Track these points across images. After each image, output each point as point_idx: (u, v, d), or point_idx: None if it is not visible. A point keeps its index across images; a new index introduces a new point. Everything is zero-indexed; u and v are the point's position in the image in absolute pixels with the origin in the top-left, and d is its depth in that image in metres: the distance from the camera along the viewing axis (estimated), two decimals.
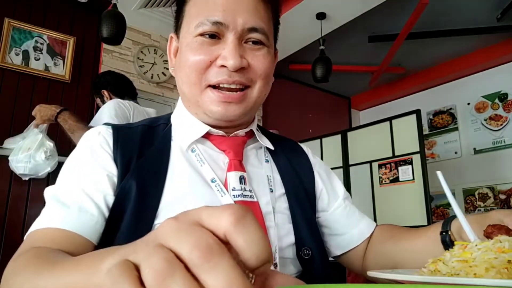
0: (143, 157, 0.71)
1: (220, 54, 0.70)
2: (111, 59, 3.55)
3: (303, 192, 0.82)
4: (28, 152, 2.30)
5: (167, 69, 3.85)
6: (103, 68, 3.47)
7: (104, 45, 3.43)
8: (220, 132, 0.77)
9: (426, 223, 3.11)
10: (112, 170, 0.69)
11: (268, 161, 0.83)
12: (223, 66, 0.69)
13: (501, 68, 4.51)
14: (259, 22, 0.72)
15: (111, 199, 0.66)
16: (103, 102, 2.44)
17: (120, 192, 0.66)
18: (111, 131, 0.74)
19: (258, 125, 0.89)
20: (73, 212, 0.62)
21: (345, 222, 0.86)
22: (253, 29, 0.71)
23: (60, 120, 2.08)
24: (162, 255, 0.24)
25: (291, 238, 0.74)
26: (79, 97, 3.38)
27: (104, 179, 0.67)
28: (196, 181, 0.71)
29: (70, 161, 0.72)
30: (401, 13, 3.68)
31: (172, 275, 0.23)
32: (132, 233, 0.62)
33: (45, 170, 2.37)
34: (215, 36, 0.70)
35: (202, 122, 0.77)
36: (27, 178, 2.51)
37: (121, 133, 0.74)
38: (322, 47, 3.61)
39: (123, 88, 2.48)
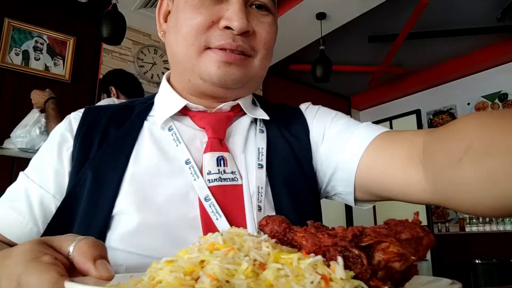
0: (106, 141, 0.67)
1: (223, 15, 0.64)
2: (111, 59, 3.55)
3: (296, 169, 0.71)
4: (25, 128, 2.55)
5: (167, 69, 3.84)
6: (103, 68, 3.47)
7: (104, 45, 3.43)
8: (200, 107, 0.70)
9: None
10: (65, 167, 0.65)
11: (263, 131, 0.74)
12: (226, 28, 0.63)
13: (501, 68, 4.51)
14: None
15: (52, 201, 0.64)
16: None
17: (75, 184, 0.62)
18: (80, 114, 0.71)
19: (258, 96, 0.81)
20: (4, 210, 0.62)
21: (336, 144, 0.70)
22: None
23: (46, 107, 2.35)
24: None
25: None
26: (79, 97, 3.38)
27: (51, 178, 0.64)
28: (167, 163, 0.65)
29: (39, 150, 0.70)
30: (401, 13, 3.68)
31: None
32: (87, 225, 0.59)
33: (39, 144, 2.56)
34: None
35: (180, 97, 0.71)
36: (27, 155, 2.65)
37: (90, 116, 0.71)
38: (322, 47, 3.61)
39: (130, 87, 2.56)
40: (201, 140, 0.69)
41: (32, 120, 2.51)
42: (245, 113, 0.74)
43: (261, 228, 0.41)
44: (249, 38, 0.66)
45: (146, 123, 0.71)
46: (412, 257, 0.32)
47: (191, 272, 0.31)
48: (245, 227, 0.58)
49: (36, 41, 3.25)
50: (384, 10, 3.45)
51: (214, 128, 0.69)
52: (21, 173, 0.67)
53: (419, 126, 3.47)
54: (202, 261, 0.32)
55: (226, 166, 0.66)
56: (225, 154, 0.67)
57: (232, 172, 0.66)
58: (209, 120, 0.70)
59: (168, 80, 0.77)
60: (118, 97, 2.49)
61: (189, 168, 0.64)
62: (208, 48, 0.65)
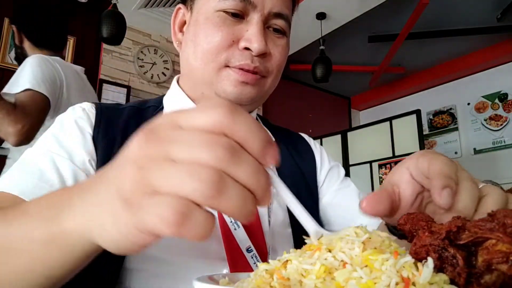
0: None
1: (243, 35, 0.66)
2: (111, 59, 3.55)
3: (304, 189, 0.77)
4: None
5: (167, 69, 3.84)
6: (103, 68, 3.47)
7: (104, 45, 3.43)
8: None
9: None
10: (90, 150, 0.63)
11: None
12: (246, 48, 0.66)
13: (501, 68, 4.51)
14: (285, 9, 0.70)
15: (82, 176, 0.60)
16: (19, 47, 1.82)
17: None
18: (94, 110, 0.69)
19: (258, 115, 0.84)
20: (32, 180, 0.56)
21: (347, 204, 0.80)
22: (279, 15, 0.69)
23: None
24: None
25: (290, 244, 0.71)
26: None
27: (80, 157, 0.61)
28: None
29: (53, 127, 0.66)
30: (401, 13, 3.68)
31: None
32: None
33: None
34: (238, 15, 0.66)
35: None
36: None
37: (105, 114, 0.69)
38: (322, 47, 3.61)
39: (41, 32, 1.79)
40: None
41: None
42: None
43: (400, 227, 0.37)
44: (265, 60, 0.68)
45: None
46: None
47: (273, 272, 0.32)
48: (262, 236, 0.64)
49: None
50: (384, 10, 3.45)
51: None
52: (39, 149, 0.61)
53: (419, 126, 3.48)
54: (288, 261, 0.33)
55: None
56: None
57: None
58: None
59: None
60: (21, 43, 1.77)
61: None
62: (227, 66, 0.67)
